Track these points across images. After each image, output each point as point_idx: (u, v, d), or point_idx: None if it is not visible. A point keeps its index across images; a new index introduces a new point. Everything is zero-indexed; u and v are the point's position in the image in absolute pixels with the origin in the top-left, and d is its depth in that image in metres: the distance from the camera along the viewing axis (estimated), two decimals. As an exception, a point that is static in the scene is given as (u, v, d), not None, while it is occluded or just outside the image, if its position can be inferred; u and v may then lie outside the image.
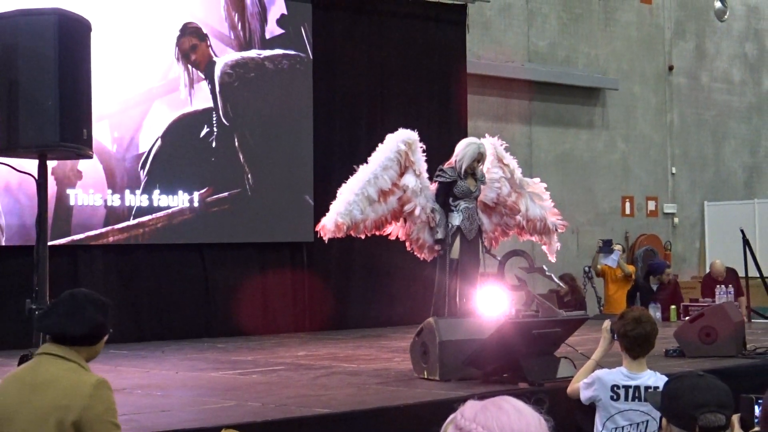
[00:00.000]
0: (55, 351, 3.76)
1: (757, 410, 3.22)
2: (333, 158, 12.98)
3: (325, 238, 8.31)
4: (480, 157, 8.54)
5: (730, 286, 12.25)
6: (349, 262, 13.12)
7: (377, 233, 8.53)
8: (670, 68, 18.25)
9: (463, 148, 8.57)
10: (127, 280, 11.54)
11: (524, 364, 7.15)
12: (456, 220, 8.47)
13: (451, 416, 2.09)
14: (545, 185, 9.30)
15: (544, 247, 9.32)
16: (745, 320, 10.26)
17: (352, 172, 8.52)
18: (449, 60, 14.35)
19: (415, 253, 8.71)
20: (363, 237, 8.63)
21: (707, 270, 15.98)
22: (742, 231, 12.97)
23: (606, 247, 14.01)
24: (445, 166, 8.53)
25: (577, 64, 16.85)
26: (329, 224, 8.17)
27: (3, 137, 5.21)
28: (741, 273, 13.58)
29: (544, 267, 8.85)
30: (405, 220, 8.52)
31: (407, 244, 8.64)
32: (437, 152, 8.58)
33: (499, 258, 8.74)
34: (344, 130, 13.36)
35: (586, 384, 5.39)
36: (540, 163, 16.04)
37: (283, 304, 12.68)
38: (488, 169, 8.83)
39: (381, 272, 13.16)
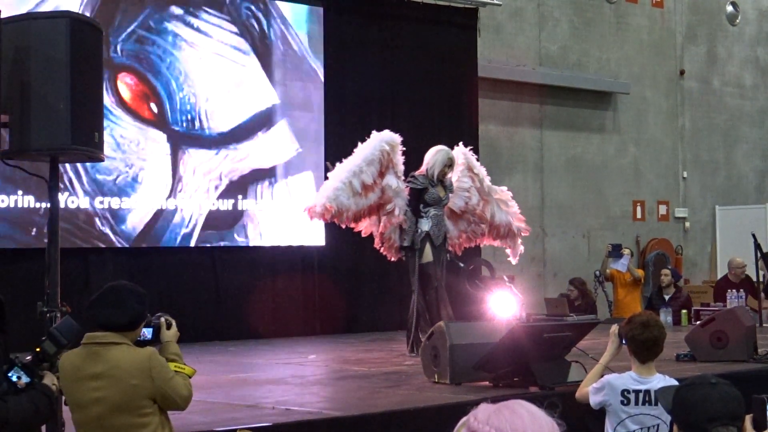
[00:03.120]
0: (104, 339, 4.31)
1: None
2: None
3: (311, 220, 8.71)
4: (450, 162, 8.76)
5: (742, 290, 12.20)
6: (359, 265, 13.10)
7: (353, 225, 8.83)
8: (682, 72, 18.20)
9: (433, 156, 8.81)
10: (137, 283, 11.49)
11: (535, 368, 7.15)
12: (426, 225, 8.66)
13: (464, 419, 2.08)
14: (511, 194, 9.59)
15: (507, 251, 9.52)
16: (756, 324, 10.22)
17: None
18: (460, 64, 14.34)
19: (383, 252, 8.98)
20: (343, 227, 9.00)
21: (718, 274, 15.92)
22: (753, 235, 12.93)
23: (615, 251, 13.96)
24: (417, 173, 8.73)
25: (588, 68, 16.82)
26: (318, 207, 8.52)
27: (15, 140, 5.21)
28: (752, 277, 13.53)
29: (505, 277, 9.06)
30: (380, 219, 8.72)
31: (377, 241, 8.89)
32: (448, 156, 8.64)
33: (462, 265, 8.95)
34: (355, 134, 13.25)
35: (595, 389, 5.37)
36: (551, 167, 16.01)
37: (294, 307, 12.68)
38: (458, 177, 9.06)
39: (391, 275, 13.14)
